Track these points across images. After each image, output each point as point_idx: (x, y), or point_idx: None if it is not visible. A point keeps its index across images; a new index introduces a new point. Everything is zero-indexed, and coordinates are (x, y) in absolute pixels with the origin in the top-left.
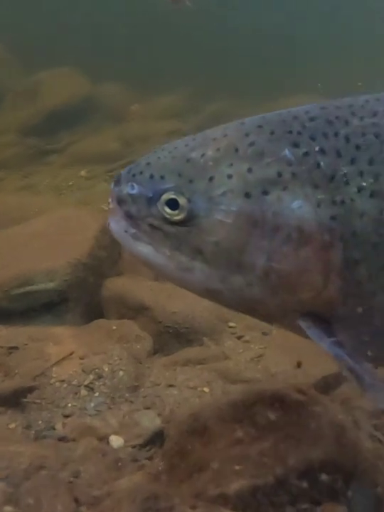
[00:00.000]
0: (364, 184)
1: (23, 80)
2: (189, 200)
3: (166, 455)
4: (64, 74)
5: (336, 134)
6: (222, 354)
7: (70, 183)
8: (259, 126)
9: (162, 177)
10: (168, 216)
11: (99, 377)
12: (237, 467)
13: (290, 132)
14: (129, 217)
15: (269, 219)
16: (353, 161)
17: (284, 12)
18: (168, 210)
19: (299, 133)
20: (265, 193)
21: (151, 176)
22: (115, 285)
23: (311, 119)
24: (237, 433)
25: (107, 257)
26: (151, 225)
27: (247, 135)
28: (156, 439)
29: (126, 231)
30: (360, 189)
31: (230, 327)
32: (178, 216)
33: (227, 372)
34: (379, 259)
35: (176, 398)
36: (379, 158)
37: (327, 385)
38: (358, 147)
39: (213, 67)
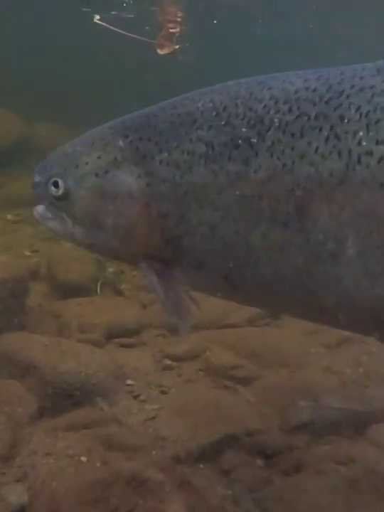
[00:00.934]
0: (161, 158)
1: None
2: (64, 182)
3: None
4: None
5: (149, 126)
6: (112, 417)
7: None
8: (110, 127)
9: (50, 167)
10: (54, 194)
11: None
12: None
13: (124, 127)
14: (38, 199)
15: (110, 190)
16: (156, 143)
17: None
18: (53, 189)
19: (128, 127)
20: (107, 172)
21: (45, 167)
22: (7, 342)
23: (137, 117)
24: None
25: (4, 311)
26: (50, 203)
27: (101, 133)
28: None
29: (42, 213)
30: (160, 162)
31: (127, 385)
32: (58, 193)
33: (111, 439)
34: (179, 211)
35: (51, 468)
36: (172, 138)
37: (214, 452)
38: (160, 132)
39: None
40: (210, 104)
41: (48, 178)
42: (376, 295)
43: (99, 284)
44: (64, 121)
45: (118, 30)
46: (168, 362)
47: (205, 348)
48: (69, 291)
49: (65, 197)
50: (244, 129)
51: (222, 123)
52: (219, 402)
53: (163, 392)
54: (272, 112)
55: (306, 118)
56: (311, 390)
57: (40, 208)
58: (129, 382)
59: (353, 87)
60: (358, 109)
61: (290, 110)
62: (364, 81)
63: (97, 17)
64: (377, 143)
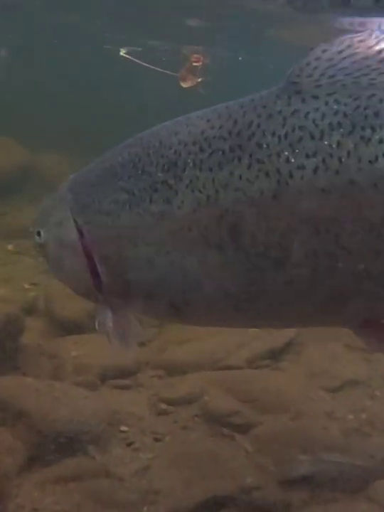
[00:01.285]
0: (95, 208)
1: None
2: (41, 234)
3: None
4: (0, 144)
5: (87, 180)
6: (103, 468)
7: None
8: (66, 182)
9: (37, 219)
10: (38, 241)
11: None
12: None
13: (73, 182)
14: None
15: (64, 238)
16: (91, 195)
17: None
18: (37, 238)
19: (75, 182)
20: (61, 223)
21: (36, 219)
22: None
23: (83, 171)
24: None
25: None
26: (38, 249)
27: (62, 187)
28: None
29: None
30: (95, 211)
31: (121, 432)
32: (39, 241)
33: (100, 493)
34: (117, 251)
35: None
36: (101, 190)
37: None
38: (93, 186)
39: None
40: (128, 157)
41: (36, 228)
42: (322, 293)
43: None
44: (70, 151)
45: (143, 63)
46: (164, 406)
47: (202, 392)
48: (66, 327)
49: (43, 244)
50: (160, 174)
51: (139, 172)
52: (215, 454)
53: (157, 440)
54: (183, 154)
55: (220, 152)
56: (312, 439)
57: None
58: (123, 428)
59: (260, 116)
60: (273, 133)
61: (201, 149)
62: (268, 108)
63: (124, 50)
64: (308, 157)
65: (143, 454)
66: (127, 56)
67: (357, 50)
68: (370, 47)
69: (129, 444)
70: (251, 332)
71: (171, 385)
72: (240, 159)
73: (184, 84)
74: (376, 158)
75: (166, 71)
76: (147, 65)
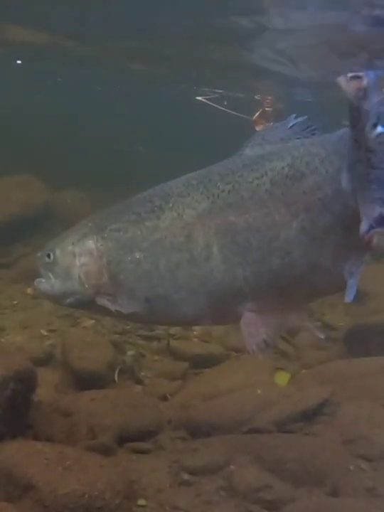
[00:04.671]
0: (111, 228)
1: None
2: (52, 254)
3: None
4: (21, 182)
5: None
6: None
7: (15, 302)
8: (92, 215)
9: (48, 246)
10: (47, 260)
11: None
12: None
13: (95, 216)
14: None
15: (79, 252)
16: (107, 220)
17: None
18: (47, 258)
19: (96, 216)
20: (78, 242)
21: (46, 248)
22: (6, 454)
23: (106, 210)
24: None
25: (7, 412)
26: (43, 267)
27: (89, 220)
28: None
29: (38, 280)
30: (110, 230)
31: (139, 506)
32: (49, 259)
33: None
34: (118, 257)
35: None
36: (119, 215)
37: None
38: (111, 213)
39: None
40: (140, 195)
41: (47, 252)
42: (237, 275)
43: (117, 370)
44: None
45: (218, 107)
46: (186, 476)
47: (228, 459)
48: (83, 380)
49: (52, 262)
50: (158, 202)
51: (146, 203)
52: None
53: None
54: (173, 190)
55: (190, 187)
56: None
57: (37, 279)
58: (141, 502)
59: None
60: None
61: (182, 186)
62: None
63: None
64: (226, 185)
65: None
66: (203, 99)
67: None
68: None
69: None
70: (279, 389)
71: (194, 450)
72: (195, 191)
73: (258, 129)
74: None
75: (241, 115)
76: (223, 108)
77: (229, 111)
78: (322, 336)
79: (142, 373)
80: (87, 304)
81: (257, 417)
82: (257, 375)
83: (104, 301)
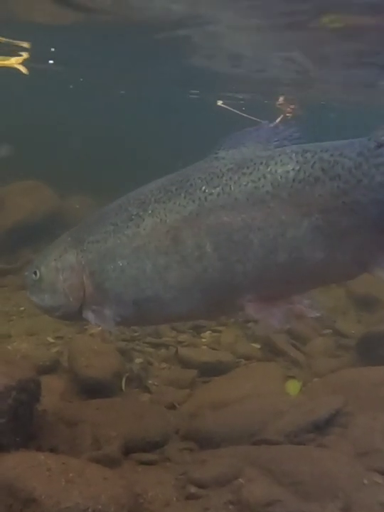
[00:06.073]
0: (89, 240)
1: None
2: (38, 271)
3: None
4: (30, 187)
5: (85, 224)
6: None
7: (22, 309)
8: (69, 230)
9: (34, 264)
10: (34, 278)
11: None
12: None
13: (72, 231)
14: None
15: (61, 267)
16: (85, 232)
17: None
18: (33, 277)
19: (73, 230)
20: (59, 258)
21: (31, 266)
22: (7, 466)
23: (82, 223)
24: None
25: (10, 422)
26: (31, 284)
27: (67, 235)
28: None
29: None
30: (88, 242)
31: None
32: (36, 277)
33: None
34: (101, 267)
35: None
36: (96, 227)
37: None
38: (89, 225)
39: None
40: (114, 205)
41: (32, 270)
42: (236, 271)
43: (124, 379)
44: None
45: (238, 112)
46: (193, 489)
47: (237, 472)
48: (90, 388)
49: (39, 279)
50: (134, 211)
51: (122, 212)
52: None
53: None
54: (149, 198)
55: (169, 192)
56: None
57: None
58: None
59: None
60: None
61: (159, 191)
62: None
63: (220, 101)
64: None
65: None
66: (224, 106)
67: None
68: None
69: None
70: (289, 398)
71: (202, 462)
72: (178, 195)
73: None
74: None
75: (261, 121)
76: (242, 113)
77: (248, 116)
78: (318, 314)
79: (150, 381)
80: (74, 316)
81: (267, 427)
82: (267, 384)
83: (88, 315)
